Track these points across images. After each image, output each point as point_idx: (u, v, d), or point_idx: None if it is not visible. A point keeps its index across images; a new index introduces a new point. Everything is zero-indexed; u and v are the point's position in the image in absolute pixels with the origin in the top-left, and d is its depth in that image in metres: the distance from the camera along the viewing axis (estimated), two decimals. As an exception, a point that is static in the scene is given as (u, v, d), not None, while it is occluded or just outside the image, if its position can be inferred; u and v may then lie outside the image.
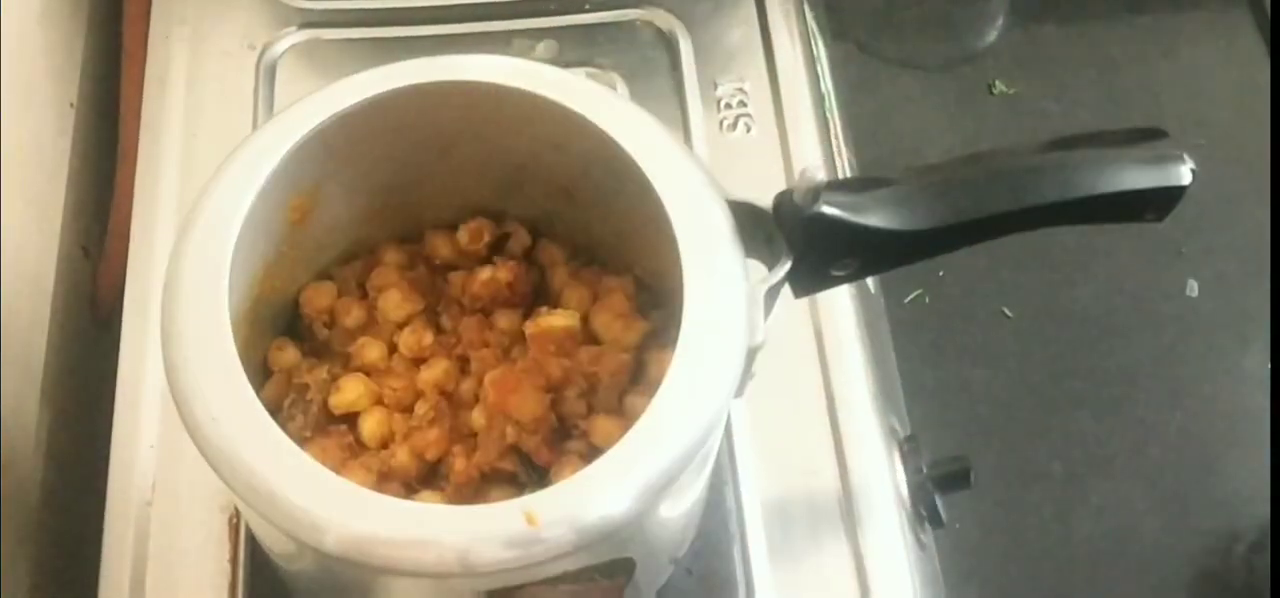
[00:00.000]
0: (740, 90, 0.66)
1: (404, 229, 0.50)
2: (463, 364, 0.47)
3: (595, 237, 0.49)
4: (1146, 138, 0.42)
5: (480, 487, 0.44)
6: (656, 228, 0.42)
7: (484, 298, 0.48)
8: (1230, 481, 1.16)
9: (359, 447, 0.45)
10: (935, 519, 0.56)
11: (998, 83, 1.37)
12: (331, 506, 0.36)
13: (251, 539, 0.51)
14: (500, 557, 0.36)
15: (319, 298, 0.48)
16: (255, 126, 0.62)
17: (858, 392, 0.57)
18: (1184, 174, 0.41)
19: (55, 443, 0.59)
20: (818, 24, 0.73)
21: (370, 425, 0.45)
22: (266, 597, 0.50)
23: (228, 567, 0.51)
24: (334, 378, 0.46)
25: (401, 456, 0.44)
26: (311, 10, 0.68)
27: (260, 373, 0.46)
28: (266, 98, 0.64)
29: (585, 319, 0.46)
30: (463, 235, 0.49)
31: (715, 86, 0.66)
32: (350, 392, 0.45)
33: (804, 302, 0.57)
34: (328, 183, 0.46)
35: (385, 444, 0.45)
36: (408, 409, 0.46)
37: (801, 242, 0.41)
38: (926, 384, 1.16)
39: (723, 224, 0.41)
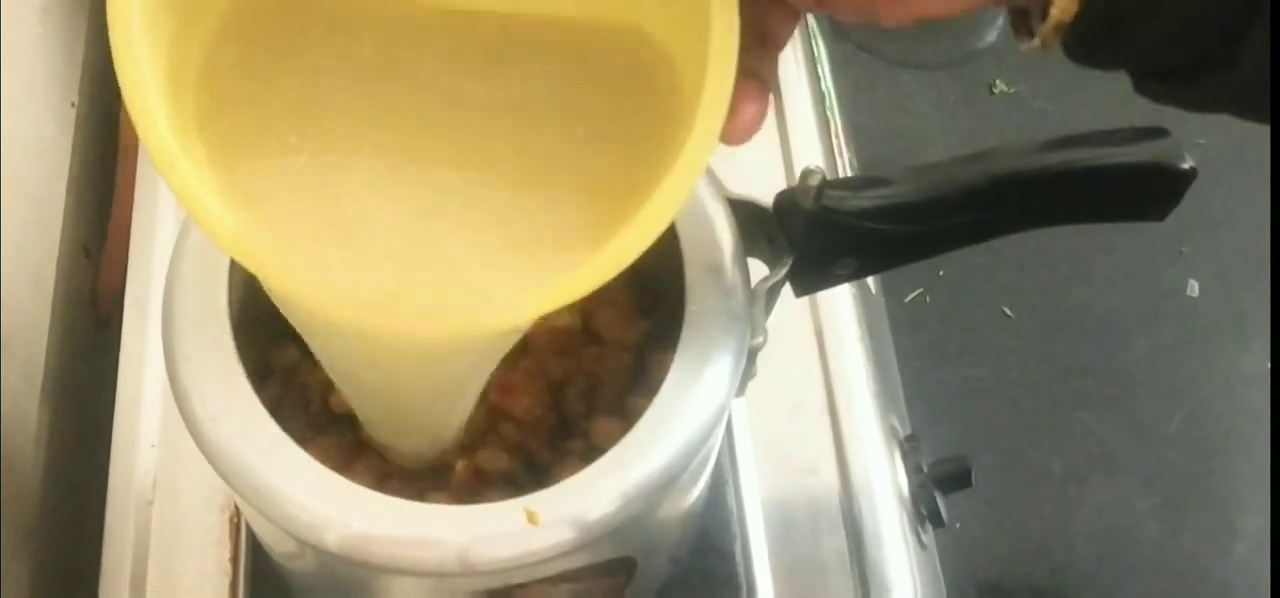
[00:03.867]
0: (740, 89, 0.66)
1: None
2: (463, 364, 0.46)
3: (596, 236, 0.49)
4: (1147, 137, 0.42)
5: (481, 486, 0.44)
6: (657, 227, 0.41)
7: (484, 297, 0.48)
8: (1230, 480, 1.16)
9: (359, 446, 0.45)
10: (936, 519, 0.56)
11: (998, 82, 1.37)
12: (332, 505, 0.36)
13: (252, 538, 0.51)
14: (501, 556, 0.36)
15: (319, 297, 0.48)
16: (255, 126, 0.62)
17: (858, 391, 0.56)
18: (1184, 173, 0.41)
19: (55, 443, 0.59)
20: (818, 24, 0.72)
21: (371, 425, 0.45)
22: (267, 596, 0.50)
23: (228, 566, 0.51)
24: (334, 377, 0.46)
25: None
26: (312, 10, 0.68)
27: (260, 373, 0.46)
28: (267, 97, 0.64)
29: (586, 319, 0.46)
30: (463, 234, 0.49)
31: (715, 86, 0.66)
32: (351, 391, 0.45)
33: (805, 301, 0.57)
34: (328, 182, 0.46)
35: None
36: (408, 409, 0.45)
37: (802, 240, 0.41)
38: (927, 383, 1.17)
39: (724, 223, 0.41)
